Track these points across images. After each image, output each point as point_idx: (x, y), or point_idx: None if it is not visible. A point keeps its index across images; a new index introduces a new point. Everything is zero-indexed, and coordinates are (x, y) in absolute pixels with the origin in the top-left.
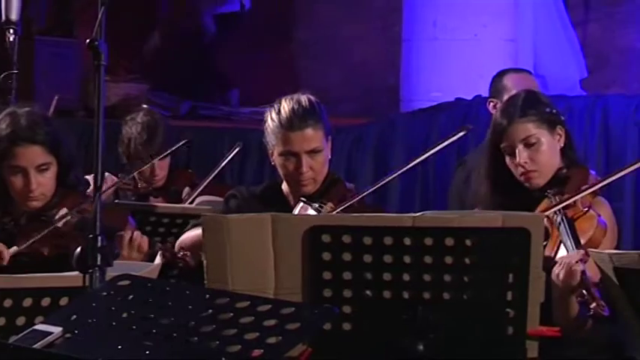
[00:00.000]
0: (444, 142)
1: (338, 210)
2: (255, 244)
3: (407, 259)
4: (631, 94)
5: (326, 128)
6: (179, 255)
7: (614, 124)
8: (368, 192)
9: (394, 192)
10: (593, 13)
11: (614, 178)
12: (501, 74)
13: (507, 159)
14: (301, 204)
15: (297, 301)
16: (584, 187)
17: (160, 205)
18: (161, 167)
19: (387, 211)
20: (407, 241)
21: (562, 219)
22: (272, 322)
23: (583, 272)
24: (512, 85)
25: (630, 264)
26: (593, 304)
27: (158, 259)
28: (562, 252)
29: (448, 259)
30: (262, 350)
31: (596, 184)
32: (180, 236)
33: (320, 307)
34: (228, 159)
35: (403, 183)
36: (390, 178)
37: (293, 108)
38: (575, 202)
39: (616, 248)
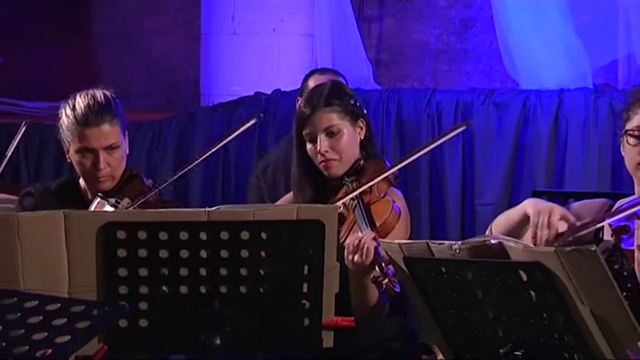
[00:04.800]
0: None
1: (134, 205)
2: (48, 243)
3: (203, 254)
4: (424, 88)
5: (123, 124)
6: None
7: (408, 116)
8: (163, 186)
9: (195, 187)
10: (388, 9)
11: (404, 163)
12: (309, 75)
13: (308, 146)
14: (97, 200)
15: (88, 299)
16: (375, 178)
17: None
18: None
19: (189, 206)
20: (202, 236)
21: (358, 203)
22: (61, 321)
23: (376, 249)
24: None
25: (419, 253)
26: (385, 281)
27: None
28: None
29: (244, 253)
30: (51, 350)
31: (389, 169)
32: None
33: (110, 304)
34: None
35: (204, 177)
36: (183, 172)
37: (88, 104)
38: (371, 189)
39: (414, 237)
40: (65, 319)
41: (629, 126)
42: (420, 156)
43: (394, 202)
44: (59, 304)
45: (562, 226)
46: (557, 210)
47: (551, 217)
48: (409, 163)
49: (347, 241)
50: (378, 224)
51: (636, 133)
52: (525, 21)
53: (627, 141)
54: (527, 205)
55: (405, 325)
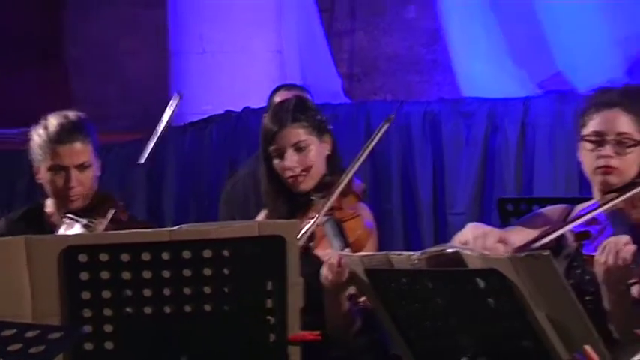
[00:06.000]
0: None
1: (105, 226)
2: (10, 269)
3: (166, 274)
4: (392, 100)
5: (94, 145)
6: None
7: (376, 129)
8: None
9: (168, 206)
10: (358, 23)
11: (350, 173)
12: (275, 91)
13: (276, 161)
14: (67, 222)
15: (44, 324)
16: (337, 186)
17: None
18: None
19: (162, 225)
20: (165, 256)
21: (330, 221)
22: (17, 346)
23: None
24: None
25: (380, 265)
26: (363, 298)
27: None
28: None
29: (207, 271)
30: None
31: (343, 179)
32: None
33: (65, 328)
34: None
35: (177, 196)
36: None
37: (61, 123)
38: (341, 205)
39: (389, 249)
40: (20, 345)
41: (585, 132)
42: (361, 164)
43: (365, 218)
44: (15, 330)
45: (500, 248)
46: (494, 233)
47: (486, 241)
48: (356, 171)
49: (323, 258)
50: (350, 241)
51: (592, 138)
52: (476, 32)
53: (584, 146)
54: (467, 232)
55: (376, 339)
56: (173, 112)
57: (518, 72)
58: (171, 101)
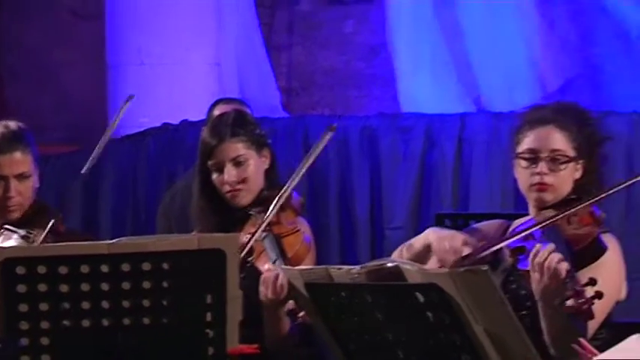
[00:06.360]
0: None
1: (44, 237)
2: None
3: (105, 287)
4: (330, 114)
5: (34, 155)
6: None
7: (314, 143)
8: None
9: (105, 219)
10: (296, 37)
11: (289, 186)
12: (214, 104)
13: (214, 175)
14: (5, 233)
15: None
16: (276, 201)
17: None
18: None
19: (99, 238)
20: (104, 269)
21: (268, 236)
22: None
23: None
24: None
25: (319, 278)
26: (302, 313)
27: None
28: (267, 267)
29: (146, 284)
30: None
31: (282, 193)
32: None
33: (2, 341)
34: None
35: (113, 209)
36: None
37: (2, 132)
38: (279, 220)
39: (325, 264)
40: None
41: (519, 149)
42: (301, 176)
43: (304, 233)
44: None
45: (466, 250)
46: (459, 235)
47: (453, 243)
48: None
49: (263, 275)
50: (289, 256)
51: (527, 155)
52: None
53: (519, 164)
54: (428, 234)
55: (315, 353)
56: (120, 115)
57: (459, 88)
58: (122, 104)
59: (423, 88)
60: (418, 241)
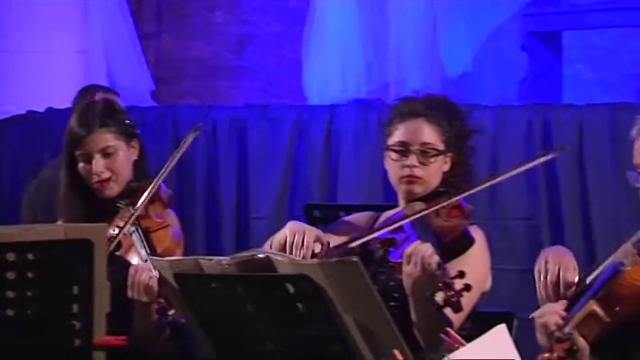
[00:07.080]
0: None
1: None
2: None
3: None
4: (198, 105)
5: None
6: None
7: (184, 133)
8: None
9: None
10: (165, 26)
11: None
12: (81, 92)
13: (81, 165)
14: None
15: None
16: (145, 195)
17: None
18: None
19: None
20: None
21: (136, 229)
22: None
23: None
24: None
25: (189, 269)
26: (172, 311)
27: None
28: (136, 261)
29: (10, 275)
30: None
31: (151, 188)
32: None
33: None
34: None
35: None
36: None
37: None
38: (149, 213)
39: (189, 254)
40: None
41: (390, 141)
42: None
43: (173, 227)
44: None
45: (317, 247)
46: (312, 231)
47: (305, 238)
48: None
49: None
50: (159, 251)
51: (397, 148)
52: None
53: (389, 156)
54: (286, 228)
55: (184, 347)
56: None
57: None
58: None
59: (329, 77)
60: (281, 235)
